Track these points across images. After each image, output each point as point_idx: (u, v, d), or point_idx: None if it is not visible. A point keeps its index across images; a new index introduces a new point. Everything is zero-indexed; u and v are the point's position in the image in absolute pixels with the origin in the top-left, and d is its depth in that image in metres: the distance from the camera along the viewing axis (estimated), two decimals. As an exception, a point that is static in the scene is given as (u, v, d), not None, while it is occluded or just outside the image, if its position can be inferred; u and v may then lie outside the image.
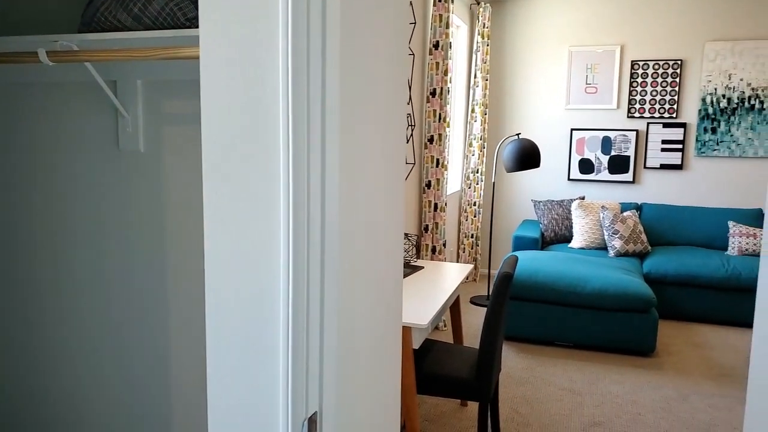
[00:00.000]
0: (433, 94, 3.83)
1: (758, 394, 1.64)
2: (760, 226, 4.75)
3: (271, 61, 0.79)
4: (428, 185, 3.91)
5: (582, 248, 4.77)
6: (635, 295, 3.58)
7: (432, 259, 4.04)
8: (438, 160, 3.96)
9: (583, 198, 5.10)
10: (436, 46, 3.78)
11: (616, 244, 4.59)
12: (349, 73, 0.91)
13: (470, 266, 3.01)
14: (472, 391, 2.24)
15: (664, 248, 4.76)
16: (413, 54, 3.46)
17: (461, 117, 5.27)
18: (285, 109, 0.79)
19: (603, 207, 4.76)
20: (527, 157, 4.45)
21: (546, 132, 5.48)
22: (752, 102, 4.89)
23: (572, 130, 5.37)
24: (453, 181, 5.26)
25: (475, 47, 5.12)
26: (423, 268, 2.90)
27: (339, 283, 0.93)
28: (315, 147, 0.84)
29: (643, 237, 4.67)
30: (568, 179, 5.44)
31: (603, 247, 4.78)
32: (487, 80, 5.30)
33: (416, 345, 2.10)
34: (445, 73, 3.89)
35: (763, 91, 4.86)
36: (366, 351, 1.07)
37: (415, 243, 3.02)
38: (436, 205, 3.99)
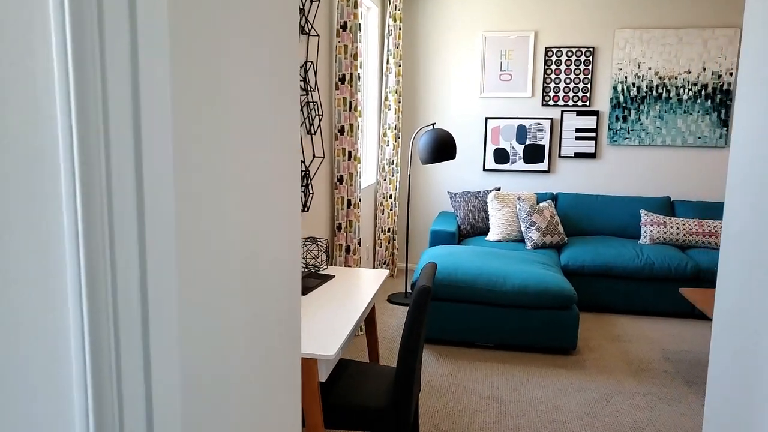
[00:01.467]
0: (343, 80, 3.50)
1: (716, 391, 1.46)
2: (670, 214, 4.81)
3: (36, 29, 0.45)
4: (340, 180, 3.59)
5: (499, 241, 4.64)
6: (556, 292, 3.46)
7: (346, 260, 3.74)
8: (350, 152, 3.64)
9: (498, 189, 4.97)
10: (344, 27, 3.44)
11: (533, 236, 4.49)
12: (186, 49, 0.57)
13: (386, 272, 2.73)
14: (389, 421, 1.97)
15: (579, 238, 4.72)
16: (318, 35, 3.11)
17: (375, 105, 4.98)
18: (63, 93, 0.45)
19: (519, 198, 4.64)
20: (443, 148, 4.23)
21: (461, 121, 5.30)
22: (660, 91, 4.93)
23: (487, 119, 5.22)
24: (368, 174, 4.97)
25: (386, 31, 4.82)
26: (334, 276, 2.58)
27: (181, 322, 0.60)
28: (119, 139, 0.51)
29: (560, 228, 4.60)
30: (484, 170, 5.30)
31: (520, 240, 4.67)
32: (400, 66, 5.03)
33: (323, 377, 1.79)
34: (355, 57, 3.57)
35: (669, 80, 4.90)
36: (245, 405, 0.75)
37: (325, 248, 2.70)
38: (349, 201, 3.68)
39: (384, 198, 5.05)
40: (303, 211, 3.07)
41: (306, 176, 3.04)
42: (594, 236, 4.82)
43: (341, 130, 3.55)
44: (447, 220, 4.85)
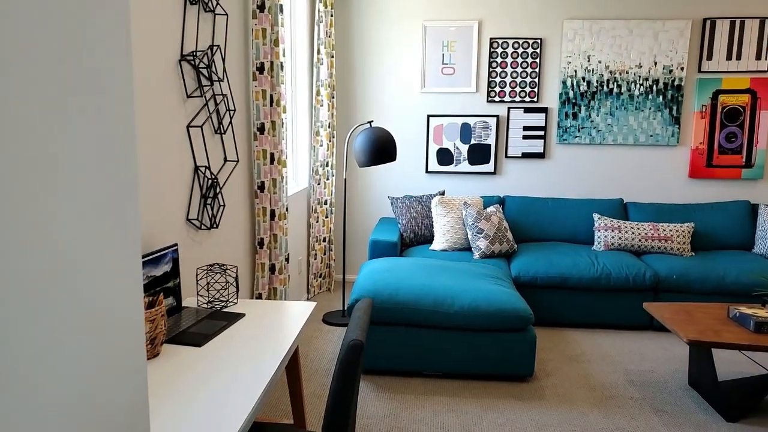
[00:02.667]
0: (261, 69, 2.96)
1: None
2: (623, 217, 4.52)
3: None
4: (261, 188, 3.05)
5: (445, 250, 4.21)
6: (511, 313, 3.04)
7: (271, 281, 3.20)
8: (273, 155, 3.11)
9: (443, 193, 4.55)
10: (261, 7, 2.90)
11: (481, 244, 4.08)
12: None
13: (313, 304, 2.23)
14: None
15: (530, 246, 4.35)
16: (226, 14, 2.56)
17: (305, 101, 4.45)
18: None
19: (465, 203, 4.23)
20: (382, 148, 3.75)
21: (401, 119, 4.84)
22: (611, 86, 4.63)
23: (429, 116, 4.79)
24: (300, 178, 4.44)
25: (317, 17, 4.30)
26: (244, 316, 2.06)
27: None
28: None
29: (509, 235, 4.22)
30: (426, 171, 4.86)
31: (467, 248, 4.26)
32: (333, 57, 4.52)
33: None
34: (276, 43, 3.04)
35: (620, 74, 4.61)
36: None
37: (234, 278, 2.17)
38: (273, 212, 3.15)
39: (318, 204, 4.53)
40: (209, 228, 2.52)
41: (213, 185, 2.49)
42: (545, 243, 4.46)
43: (261, 129, 3.01)
44: (388, 228, 4.38)
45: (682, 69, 4.55)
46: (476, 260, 4.05)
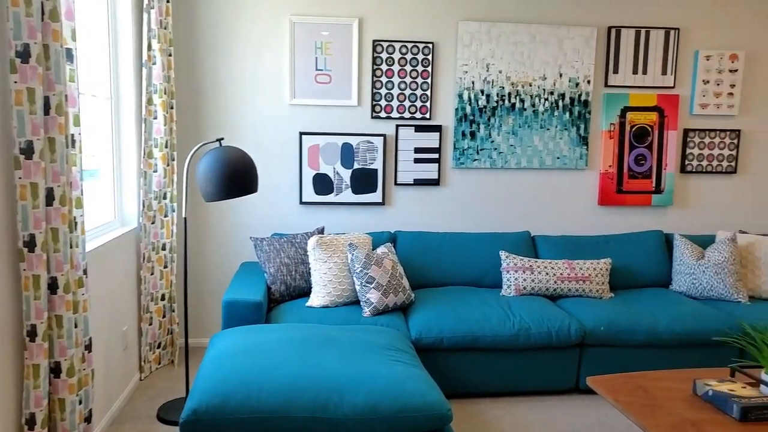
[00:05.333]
0: (25, 56, 1.84)
1: None
2: (532, 253, 3.84)
3: None
4: (30, 244, 1.91)
5: (326, 306, 3.25)
6: (423, 413, 2.14)
7: (57, 389, 2.04)
8: (51, 190, 1.98)
9: (322, 231, 3.60)
10: (21, -45, 1.80)
11: (373, 297, 3.18)
12: None
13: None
14: None
15: (430, 294, 3.52)
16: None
17: (132, 111, 3.30)
18: None
19: (351, 244, 3.31)
20: (235, 176, 2.73)
21: (265, 136, 3.84)
22: (513, 100, 3.98)
23: (302, 134, 3.83)
24: (126, 216, 3.27)
25: (146, 1, 3.20)
26: None
27: None
28: None
29: (405, 282, 3.36)
30: (301, 203, 3.89)
31: (355, 302, 3.33)
32: (171, 56, 3.43)
33: None
34: (54, 16, 1.93)
35: (523, 87, 3.97)
36: None
37: None
38: (54, 281, 2.00)
39: (153, 250, 3.38)
40: None
41: None
42: (447, 288, 3.66)
43: (27, 150, 1.87)
44: (250, 279, 3.34)
45: (588, 82, 4.01)
46: (367, 319, 3.14)
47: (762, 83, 4.19)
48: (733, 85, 4.14)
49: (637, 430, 2.86)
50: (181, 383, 3.30)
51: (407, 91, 3.89)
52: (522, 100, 3.98)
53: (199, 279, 3.89)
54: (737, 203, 4.28)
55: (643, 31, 4.03)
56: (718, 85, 4.13)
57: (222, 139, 2.84)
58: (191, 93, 3.75)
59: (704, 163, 4.20)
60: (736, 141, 4.19)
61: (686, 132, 4.16)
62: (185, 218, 2.94)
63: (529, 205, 4.11)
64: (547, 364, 3.21)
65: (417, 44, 3.86)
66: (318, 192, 3.88)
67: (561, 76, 3.98)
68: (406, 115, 3.91)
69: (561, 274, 3.58)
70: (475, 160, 3.99)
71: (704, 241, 3.99)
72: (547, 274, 3.57)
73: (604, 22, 4.01)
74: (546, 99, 3.99)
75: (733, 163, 4.21)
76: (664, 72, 4.09)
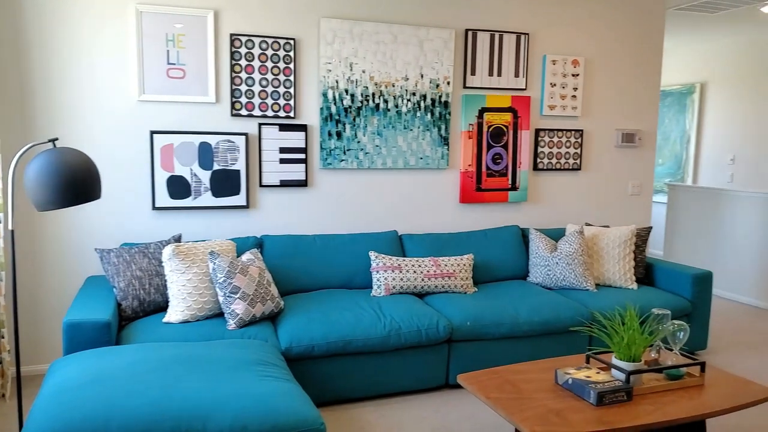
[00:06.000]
0: None
1: None
2: (400, 252, 3.87)
3: None
4: None
5: (186, 322, 3.01)
6: (295, 429, 2.03)
7: None
8: None
9: (179, 239, 3.33)
10: None
11: (238, 308, 2.99)
12: None
13: None
14: None
15: (300, 299, 3.40)
16: None
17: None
18: None
19: (212, 252, 3.09)
20: (74, 181, 2.41)
21: (110, 135, 3.47)
22: (377, 100, 3.97)
23: (153, 133, 3.52)
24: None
25: (-47, -23, 2.72)
26: None
27: None
28: None
29: (273, 290, 3.20)
30: (154, 208, 3.58)
31: (219, 314, 3.12)
32: (-11, 43, 2.96)
33: None
34: None
35: (386, 87, 3.98)
36: None
37: None
38: None
39: (-26, 269, 2.91)
40: None
41: None
42: (316, 292, 3.56)
43: None
44: (97, 296, 2.99)
45: (448, 83, 4.11)
46: (233, 332, 2.94)
47: (598, 87, 4.58)
48: (576, 88, 4.47)
49: (505, 420, 2.97)
50: (13, 421, 2.88)
51: (269, 89, 3.72)
52: (386, 101, 3.98)
53: (35, 298, 3.42)
54: (582, 198, 4.65)
55: (497, 35, 4.21)
56: (563, 88, 4.44)
57: (56, 139, 2.49)
58: (17, 85, 3.27)
59: (553, 161, 4.50)
60: (579, 140, 4.54)
61: (537, 132, 4.42)
62: (12, 231, 2.54)
63: (396, 205, 4.13)
64: (417, 363, 3.24)
65: (278, 40, 3.70)
66: (173, 196, 3.59)
67: (422, 77, 4.04)
68: (269, 113, 3.74)
69: (428, 271, 3.63)
70: (342, 160, 3.93)
71: (556, 234, 4.27)
72: (414, 272, 3.61)
73: (462, 25, 4.14)
74: (408, 100, 4.03)
75: (578, 161, 4.56)
76: (516, 75, 4.31)
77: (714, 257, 5.60)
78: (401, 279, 3.57)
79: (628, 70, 4.66)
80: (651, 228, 4.25)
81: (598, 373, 2.37)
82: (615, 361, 2.36)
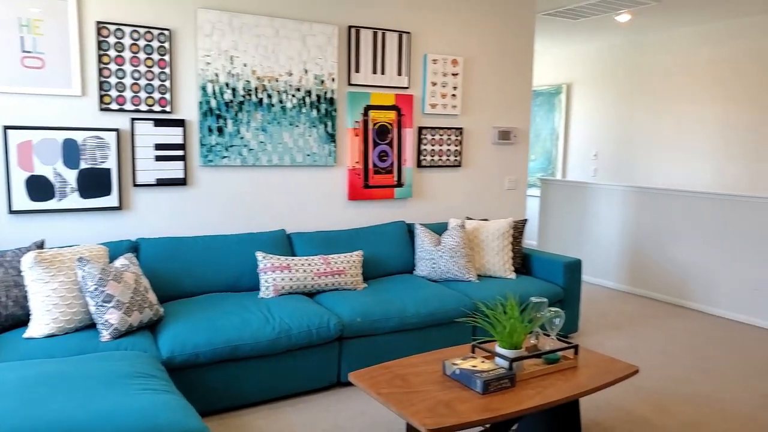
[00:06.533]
0: None
1: None
2: (288, 252, 3.79)
3: None
4: None
5: (52, 335, 2.74)
6: (180, 445, 1.91)
7: None
8: None
9: (41, 245, 3.03)
10: None
11: (112, 318, 2.77)
12: None
13: None
14: None
15: (182, 305, 3.22)
16: None
17: None
18: None
19: (81, 258, 2.84)
20: None
21: (-45, 131, 3.08)
22: (260, 95, 3.85)
23: (7, 128, 3.17)
24: None
25: None
26: None
27: None
28: None
29: (151, 297, 3.01)
30: (11, 212, 3.22)
31: (91, 325, 2.87)
32: None
33: None
34: None
35: (270, 82, 3.87)
36: None
37: None
38: None
39: None
40: None
41: None
42: (200, 297, 3.40)
43: None
44: (-60, 314, 2.63)
45: (333, 80, 4.08)
46: (107, 344, 2.72)
47: (476, 87, 4.78)
48: (455, 88, 4.63)
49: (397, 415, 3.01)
50: None
51: (142, 82, 3.48)
52: (270, 96, 3.88)
53: None
54: (464, 193, 4.83)
55: (380, 33, 4.25)
56: (444, 87, 4.58)
57: None
58: None
59: (436, 158, 4.63)
60: (460, 138, 4.71)
61: (420, 130, 4.53)
62: None
63: (283, 203, 4.04)
64: (308, 363, 3.19)
65: (151, 30, 3.47)
66: (34, 198, 3.26)
67: (306, 72, 3.99)
68: (143, 107, 3.50)
69: (317, 269, 3.59)
70: (225, 157, 3.77)
71: (440, 229, 4.40)
72: (304, 271, 3.55)
73: (345, 21, 4.13)
74: (293, 95, 3.96)
75: (458, 158, 4.73)
76: (399, 73, 4.38)
77: (582, 246, 6.07)
78: (290, 279, 3.51)
79: (503, 71, 4.90)
80: (526, 220, 4.51)
81: (483, 362, 2.47)
82: (498, 349, 2.47)
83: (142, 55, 3.46)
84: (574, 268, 4.18)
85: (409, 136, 4.46)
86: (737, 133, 5.76)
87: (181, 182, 3.65)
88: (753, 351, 4.04)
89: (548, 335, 2.74)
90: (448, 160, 4.68)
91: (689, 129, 6.19)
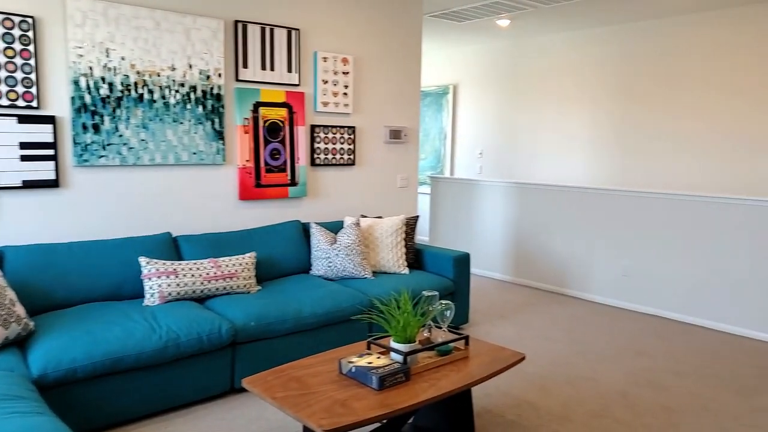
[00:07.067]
0: None
1: None
2: (176, 256, 3.61)
3: None
4: None
5: None
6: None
7: None
8: None
9: None
10: None
11: (-27, 335, 2.49)
12: None
13: None
14: None
15: (55, 318, 2.96)
16: None
17: None
18: None
19: (-69, 271, 2.52)
20: None
21: None
22: (141, 90, 3.64)
23: None
24: None
25: None
26: None
27: None
28: None
29: (19, 310, 2.74)
30: None
31: (-56, 345, 2.56)
32: None
33: None
34: None
35: (151, 76, 3.66)
36: None
37: None
38: None
39: None
40: None
41: None
42: (77, 308, 3.15)
43: None
44: None
45: (220, 75, 3.94)
46: (-36, 365, 2.44)
47: (367, 85, 4.82)
48: (346, 86, 4.64)
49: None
50: None
51: (2, 73, 3.16)
52: (151, 91, 3.67)
53: None
54: (358, 191, 4.85)
55: (268, 29, 4.16)
56: (335, 85, 4.57)
57: None
58: None
59: (330, 156, 4.61)
60: (353, 136, 4.73)
61: (313, 128, 4.49)
62: None
63: (168, 205, 3.84)
64: (200, 371, 3.06)
65: (11, 17, 3.16)
66: None
67: (191, 67, 3.81)
68: (4, 102, 3.18)
69: (207, 273, 3.45)
70: (102, 156, 3.52)
71: (335, 227, 4.39)
72: (192, 275, 3.40)
73: (231, 16, 4.00)
74: (177, 91, 3.77)
75: (352, 156, 4.75)
76: (289, 70, 4.31)
77: (471, 240, 6.32)
78: (178, 284, 3.34)
79: (392, 71, 4.98)
80: (418, 217, 4.62)
81: (378, 357, 2.49)
82: (393, 344, 2.50)
83: (0, 44, 3.14)
84: (462, 261, 4.34)
85: (302, 134, 4.40)
86: (604, 131, 6.27)
87: (52, 184, 3.36)
88: (623, 332, 4.41)
89: (440, 327, 2.82)
90: (341, 158, 4.68)
91: (564, 128, 6.64)
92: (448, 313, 2.73)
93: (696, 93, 5.55)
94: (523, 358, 2.70)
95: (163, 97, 3.72)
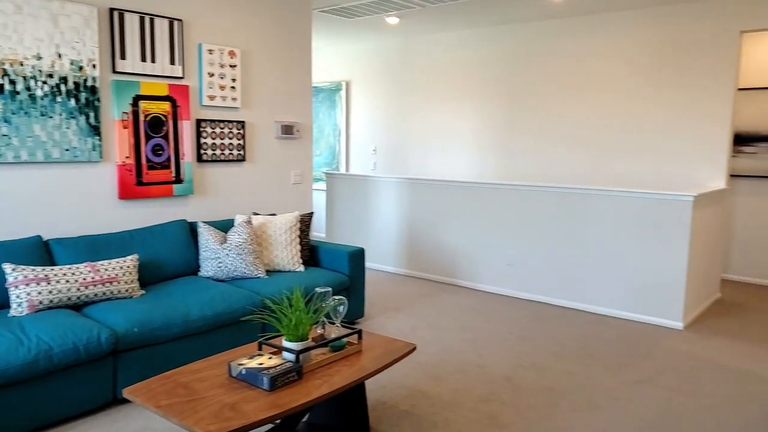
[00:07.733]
0: None
1: None
2: (47, 262, 3.34)
3: None
4: None
5: None
6: None
7: None
8: None
9: None
10: None
11: None
12: None
13: None
14: None
15: None
16: None
17: None
18: None
19: None
20: None
21: None
22: (1, 81, 3.31)
23: None
24: None
25: None
26: None
27: None
28: None
29: None
30: None
31: None
32: None
33: None
34: None
35: (12, 66, 3.35)
36: None
37: None
38: None
39: None
40: None
41: None
42: (-72, 322, 2.82)
43: None
44: None
45: (94, 66, 3.68)
46: None
47: (256, 79, 4.71)
48: (234, 80, 4.50)
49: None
50: None
51: None
52: (13, 82, 3.35)
53: None
54: (249, 188, 4.73)
55: (147, 18, 3.94)
56: (222, 78, 4.42)
57: None
58: None
59: (218, 152, 4.46)
60: (242, 131, 4.60)
61: (199, 122, 4.32)
62: None
63: (38, 205, 3.53)
64: (78, 384, 2.85)
65: None
66: None
67: (60, 57, 3.53)
68: None
69: (84, 279, 3.22)
70: (-46, 154, 3.17)
71: (225, 226, 4.26)
72: (67, 281, 3.16)
73: (105, 3, 3.74)
74: (45, 82, 3.47)
75: (242, 152, 4.62)
76: (172, 62, 4.11)
77: (366, 235, 6.38)
78: (50, 292, 3.08)
79: (282, 65, 4.90)
80: (312, 213, 4.59)
81: (270, 358, 2.45)
82: (285, 343, 2.47)
83: None
84: (357, 256, 4.37)
85: (187, 129, 4.22)
86: (491, 127, 6.56)
87: None
88: (509, 319, 4.65)
89: (333, 323, 2.82)
90: (231, 154, 4.54)
91: (453, 125, 6.88)
92: (341, 308, 2.74)
93: (578, 92, 5.96)
94: (414, 349, 2.77)
95: (28, 89, 3.41)
